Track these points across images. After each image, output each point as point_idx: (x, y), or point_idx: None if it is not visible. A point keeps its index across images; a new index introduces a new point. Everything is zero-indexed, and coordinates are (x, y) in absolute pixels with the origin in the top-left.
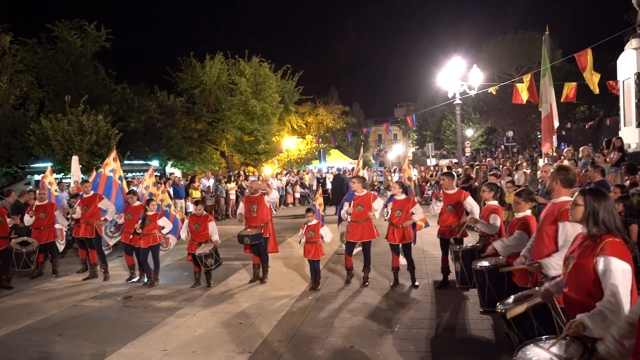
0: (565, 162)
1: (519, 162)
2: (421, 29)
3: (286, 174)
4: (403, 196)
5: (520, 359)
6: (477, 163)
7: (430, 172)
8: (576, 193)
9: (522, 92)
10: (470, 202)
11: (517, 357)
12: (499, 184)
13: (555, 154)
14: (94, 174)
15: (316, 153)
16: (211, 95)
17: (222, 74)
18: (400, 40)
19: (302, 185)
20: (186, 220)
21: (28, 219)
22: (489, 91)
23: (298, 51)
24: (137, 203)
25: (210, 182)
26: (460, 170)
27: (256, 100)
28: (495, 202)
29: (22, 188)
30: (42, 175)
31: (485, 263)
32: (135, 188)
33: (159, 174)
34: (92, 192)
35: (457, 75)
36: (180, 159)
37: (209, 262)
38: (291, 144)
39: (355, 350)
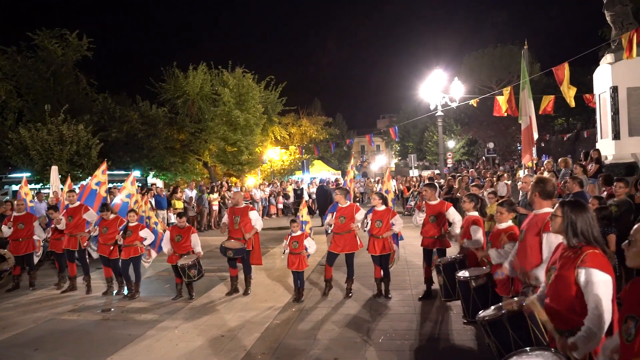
0: (546, 174)
1: (500, 173)
2: (403, 41)
3: (269, 185)
4: (383, 207)
5: None
6: (458, 174)
7: (413, 183)
8: (556, 205)
9: (502, 105)
10: (452, 213)
11: None
12: (481, 195)
13: (534, 166)
14: (68, 181)
15: (299, 164)
16: (194, 106)
17: (205, 85)
18: (382, 53)
19: (285, 196)
20: (167, 232)
21: (6, 230)
22: (469, 103)
23: (281, 62)
24: (112, 216)
25: (193, 193)
26: (442, 181)
27: (239, 110)
28: (476, 213)
29: None
30: (19, 185)
31: (467, 273)
32: (117, 197)
33: (140, 184)
34: (77, 203)
35: (439, 88)
36: (163, 169)
37: (192, 273)
38: (274, 155)
39: None
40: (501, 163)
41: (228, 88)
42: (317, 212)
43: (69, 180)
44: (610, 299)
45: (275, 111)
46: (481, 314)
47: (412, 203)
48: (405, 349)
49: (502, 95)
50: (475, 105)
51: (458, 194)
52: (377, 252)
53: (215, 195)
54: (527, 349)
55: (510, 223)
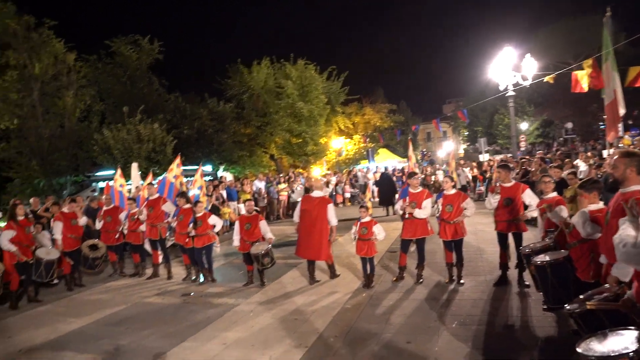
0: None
1: (579, 154)
2: (469, 20)
3: (334, 174)
4: (453, 191)
5: (584, 351)
6: (532, 158)
7: (484, 169)
8: None
9: (582, 80)
10: (528, 195)
11: (579, 347)
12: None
13: (622, 144)
14: (149, 176)
15: (364, 153)
16: (259, 100)
17: (268, 79)
18: (446, 34)
19: (352, 185)
20: (237, 223)
21: (98, 223)
22: (544, 80)
23: (342, 52)
24: (187, 205)
25: (262, 184)
26: (514, 165)
27: (303, 102)
28: (555, 194)
29: (89, 195)
30: (106, 182)
31: (547, 257)
32: (191, 191)
33: (212, 178)
34: (157, 195)
35: (509, 66)
36: (232, 163)
37: (265, 261)
38: (339, 145)
39: (411, 345)
40: (582, 144)
41: (291, 80)
42: (379, 200)
43: (150, 175)
44: None
45: (338, 101)
46: (571, 306)
47: (482, 187)
48: (480, 335)
49: (582, 69)
50: (551, 81)
51: (534, 178)
52: (448, 237)
53: (284, 186)
54: (607, 330)
55: (600, 205)
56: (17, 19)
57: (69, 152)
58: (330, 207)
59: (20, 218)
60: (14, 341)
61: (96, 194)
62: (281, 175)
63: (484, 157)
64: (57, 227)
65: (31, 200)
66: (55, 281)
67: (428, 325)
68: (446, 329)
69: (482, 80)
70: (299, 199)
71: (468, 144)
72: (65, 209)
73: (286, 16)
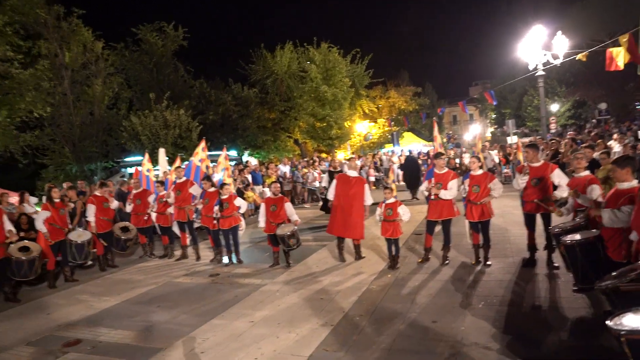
0: None
1: (612, 135)
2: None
3: (359, 158)
4: (480, 171)
5: (615, 325)
6: (562, 139)
7: (507, 151)
8: None
9: (618, 57)
10: (558, 175)
11: (611, 323)
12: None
13: None
14: (177, 160)
15: (389, 136)
16: (283, 84)
17: (292, 63)
18: (472, 14)
19: (377, 169)
20: (262, 205)
21: (128, 206)
22: (576, 59)
23: (366, 35)
24: (212, 189)
25: (286, 168)
26: (543, 146)
27: (327, 85)
28: (588, 172)
29: (119, 180)
30: (134, 167)
31: (578, 236)
32: (215, 174)
33: (236, 162)
34: (184, 178)
35: (539, 45)
36: (256, 147)
37: (291, 242)
38: (363, 129)
39: (437, 325)
40: (616, 125)
41: (315, 64)
42: (405, 184)
43: (178, 159)
44: None
45: (362, 84)
46: (605, 282)
47: (507, 170)
48: (508, 315)
49: (618, 46)
50: (584, 59)
51: (564, 160)
52: (475, 218)
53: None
54: None
55: (633, 183)
56: (47, 8)
57: (99, 138)
58: (367, 187)
59: (56, 200)
60: (52, 317)
61: (125, 179)
62: (305, 159)
63: (512, 139)
64: (90, 210)
65: (64, 185)
66: (90, 262)
67: (454, 305)
68: (472, 309)
69: (510, 60)
70: (322, 184)
71: (495, 127)
72: (97, 193)
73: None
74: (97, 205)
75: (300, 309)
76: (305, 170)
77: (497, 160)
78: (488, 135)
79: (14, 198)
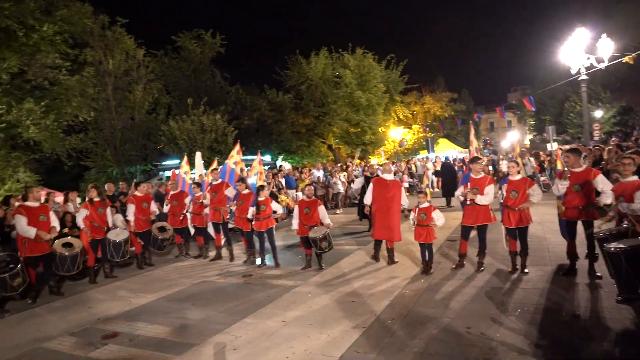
0: None
1: None
2: (536, 3)
3: (393, 163)
4: (519, 176)
5: None
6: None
7: (542, 159)
8: None
9: None
10: (601, 181)
11: None
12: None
13: None
14: (214, 163)
15: (424, 143)
16: (317, 90)
17: (327, 69)
18: (510, 18)
19: (411, 175)
20: (296, 207)
21: (165, 207)
22: (623, 61)
23: (402, 41)
24: (246, 191)
25: (320, 173)
26: (586, 152)
27: (361, 91)
28: (636, 177)
29: (157, 182)
30: (172, 170)
31: (622, 245)
32: (248, 178)
33: (271, 167)
34: (220, 180)
35: (582, 48)
36: (290, 152)
37: (324, 245)
38: (397, 135)
39: (471, 331)
40: None
41: (349, 70)
42: (441, 192)
43: (214, 161)
44: None
45: (397, 90)
46: None
47: (544, 177)
48: (545, 323)
49: None
50: (631, 62)
51: (609, 167)
52: (512, 224)
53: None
54: None
55: None
56: (94, 18)
57: (139, 142)
58: (403, 190)
59: (96, 200)
60: (93, 311)
61: (162, 181)
62: (339, 164)
63: (552, 146)
64: (130, 210)
65: (106, 186)
66: (128, 259)
67: (488, 312)
68: (508, 316)
69: (550, 65)
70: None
71: (535, 134)
72: (137, 193)
73: (345, 5)
74: (137, 205)
75: (332, 310)
76: (339, 175)
77: (536, 167)
78: (527, 142)
79: (59, 198)
